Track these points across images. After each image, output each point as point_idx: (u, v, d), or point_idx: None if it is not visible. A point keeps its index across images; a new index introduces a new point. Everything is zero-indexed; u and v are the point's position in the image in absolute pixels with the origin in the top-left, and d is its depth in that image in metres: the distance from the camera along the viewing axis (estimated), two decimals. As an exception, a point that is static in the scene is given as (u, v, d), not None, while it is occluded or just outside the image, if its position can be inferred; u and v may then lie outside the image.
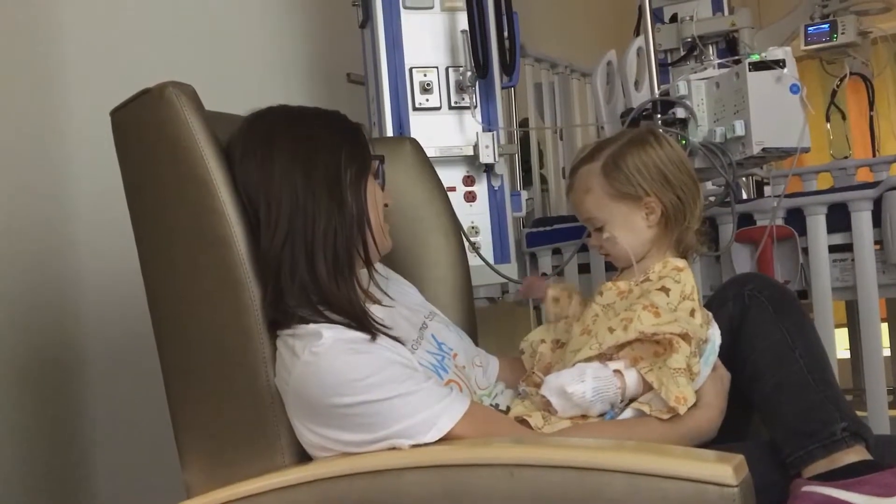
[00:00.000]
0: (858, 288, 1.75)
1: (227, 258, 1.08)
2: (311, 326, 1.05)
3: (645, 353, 1.09)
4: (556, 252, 2.19)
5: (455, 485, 0.93)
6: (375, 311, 1.12)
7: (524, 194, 2.07)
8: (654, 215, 1.20)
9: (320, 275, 1.08)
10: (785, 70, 1.58)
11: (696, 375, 1.07)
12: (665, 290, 1.12)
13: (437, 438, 1.00)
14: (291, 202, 1.09)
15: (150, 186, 1.15)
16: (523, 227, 2.30)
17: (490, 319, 2.32)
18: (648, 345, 1.08)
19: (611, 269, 2.07)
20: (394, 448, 0.99)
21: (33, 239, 1.75)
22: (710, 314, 1.16)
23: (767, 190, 2.49)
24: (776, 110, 1.59)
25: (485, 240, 1.97)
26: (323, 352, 1.02)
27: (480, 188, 1.98)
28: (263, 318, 1.08)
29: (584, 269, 2.12)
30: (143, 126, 1.14)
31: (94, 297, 1.81)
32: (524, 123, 2.57)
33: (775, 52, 1.59)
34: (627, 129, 1.70)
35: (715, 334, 1.13)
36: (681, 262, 1.17)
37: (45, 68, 1.83)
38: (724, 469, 0.81)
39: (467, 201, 1.96)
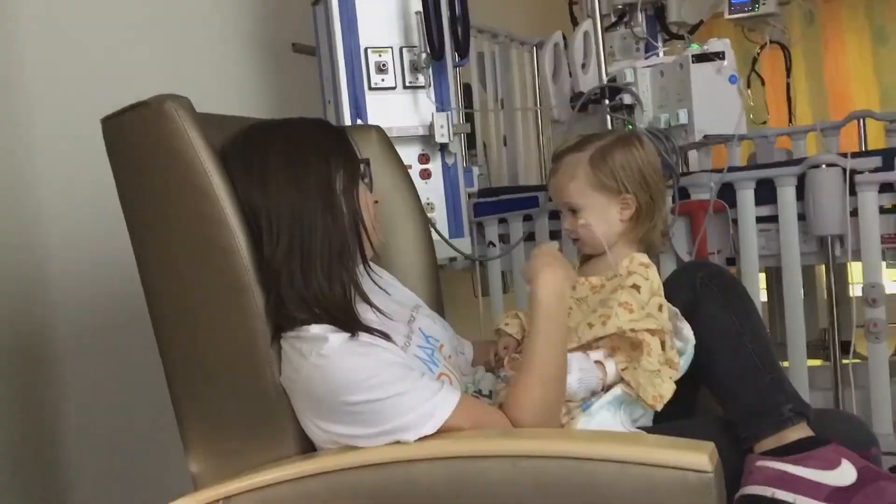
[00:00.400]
0: (783, 256, 1.92)
1: (233, 266, 1.14)
2: (315, 329, 1.13)
3: (621, 344, 1.21)
4: (503, 221, 2.29)
5: (461, 475, 1.05)
6: (380, 305, 1.21)
7: (475, 170, 2.16)
8: (629, 211, 1.32)
9: (320, 282, 1.16)
10: (724, 62, 1.70)
11: (677, 367, 1.21)
12: (636, 287, 1.24)
13: (435, 429, 1.10)
14: (289, 215, 1.16)
15: (150, 196, 1.20)
16: (469, 199, 2.38)
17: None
18: (625, 337, 1.21)
19: (556, 237, 2.20)
20: (398, 441, 1.09)
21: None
22: (678, 311, 1.29)
23: (691, 154, 2.64)
24: (716, 99, 1.72)
25: (440, 215, 2.06)
26: (331, 354, 1.10)
27: (435, 166, 2.06)
28: (268, 323, 1.15)
29: (529, 237, 2.23)
30: (141, 138, 1.18)
31: (65, 288, 1.83)
32: (466, 90, 2.64)
33: (715, 45, 1.72)
34: (614, 128, 1.80)
35: (690, 334, 1.26)
36: (646, 259, 1.29)
37: (4, 63, 1.80)
38: (702, 457, 0.94)
39: (422, 179, 2.04)
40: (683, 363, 1.23)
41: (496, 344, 1.42)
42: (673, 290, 1.34)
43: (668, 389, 1.18)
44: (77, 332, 1.85)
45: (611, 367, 1.20)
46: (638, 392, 1.17)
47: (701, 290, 1.30)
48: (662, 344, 1.20)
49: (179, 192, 1.16)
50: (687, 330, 1.25)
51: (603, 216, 1.32)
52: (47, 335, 1.83)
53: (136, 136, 1.18)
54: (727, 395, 1.24)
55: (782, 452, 1.15)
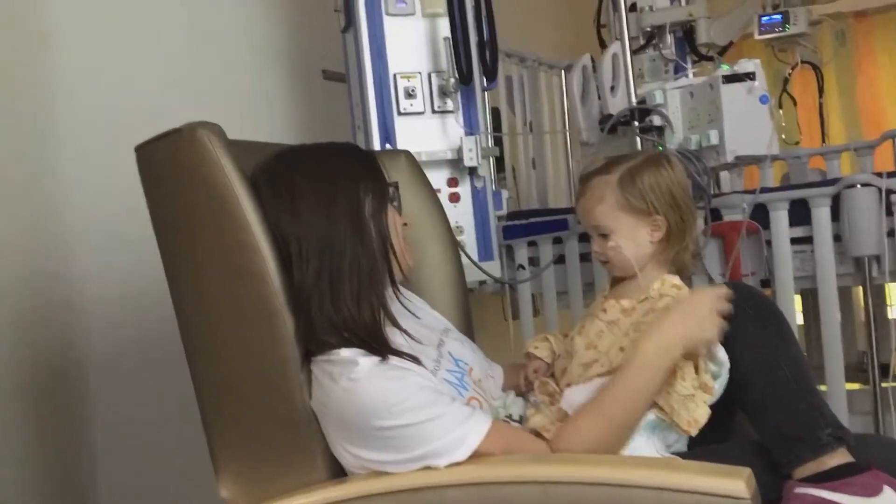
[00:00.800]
0: (818, 278, 1.89)
1: (263, 291, 1.15)
2: (345, 353, 1.13)
3: None
4: (532, 244, 2.29)
5: (492, 501, 1.03)
6: (410, 329, 1.21)
7: (504, 193, 2.16)
8: (659, 232, 1.30)
9: (349, 307, 1.16)
10: (755, 83, 1.68)
11: (711, 391, 1.18)
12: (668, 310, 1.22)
13: (466, 456, 1.09)
14: (319, 240, 1.16)
15: (183, 222, 1.21)
16: (498, 222, 2.38)
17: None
18: None
19: (586, 259, 2.19)
20: (429, 467, 1.08)
21: (33, 250, 1.78)
22: None
23: (723, 175, 2.61)
24: (747, 120, 1.71)
25: (469, 239, 2.06)
26: (361, 378, 1.10)
27: (464, 189, 2.06)
28: (298, 347, 1.15)
29: (559, 260, 2.22)
30: (174, 165, 1.19)
31: (98, 314, 1.86)
32: (495, 113, 2.65)
33: (746, 65, 1.70)
34: (641, 149, 1.79)
35: (725, 358, 1.24)
36: (678, 280, 1.27)
37: (39, 76, 1.85)
38: (738, 484, 0.92)
39: (451, 202, 2.04)
40: (718, 387, 1.21)
41: (526, 367, 1.40)
42: None
43: (702, 414, 1.16)
44: (109, 356, 1.88)
45: None
46: (672, 417, 1.15)
47: (735, 312, 1.28)
48: (696, 368, 1.18)
49: (211, 217, 1.17)
50: (721, 353, 1.23)
51: (632, 238, 1.30)
52: (80, 360, 1.86)
53: (168, 163, 1.20)
54: (763, 420, 1.21)
55: (822, 479, 1.12)
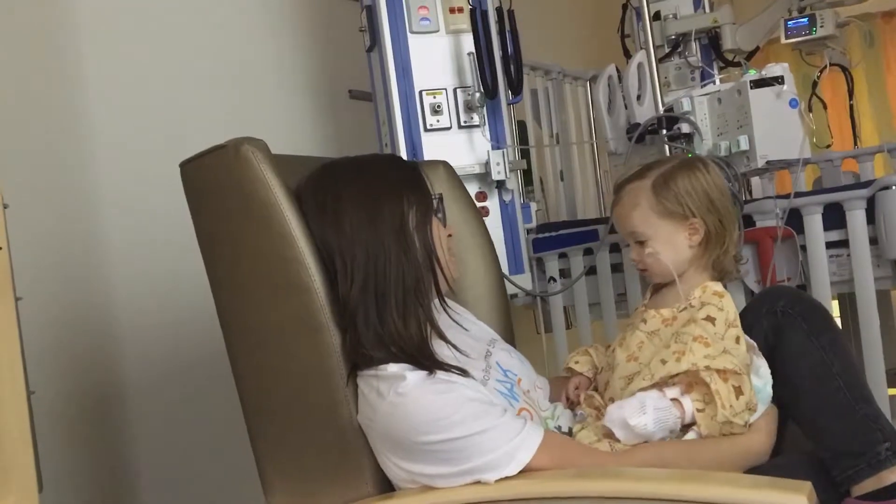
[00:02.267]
0: (856, 282, 1.86)
1: (309, 304, 1.15)
2: (393, 367, 1.13)
3: (697, 379, 1.16)
4: (563, 256, 2.27)
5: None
6: (457, 341, 1.20)
7: (533, 206, 2.15)
8: (697, 236, 1.26)
9: (395, 321, 1.15)
10: (784, 87, 1.66)
11: (755, 407, 1.16)
12: (710, 319, 1.19)
13: (517, 471, 1.07)
14: (364, 254, 1.16)
15: (228, 237, 1.21)
16: (527, 234, 2.37)
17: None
18: (700, 375, 1.16)
19: (617, 270, 2.17)
20: (478, 482, 1.07)
21: (72, 277, 1.80)
22: (755, 344, 1.23)
23: (754, 181, 2.58)
24: (777, 124, 1.68)
25: (499, 252, 2.04)
26: (408, 392, 1.09)
27: (492, 203, 2.06)
28: (345, 361, 1.15)
29: (590, 271, 2.21)
30: (219, 181, 1.20)
31: (137, 341, 1.87)
32: (521, 126, 2.64)
33: (774, 69, 1.68)
34: (675, 154, 1.78)
35: (768, 373, 1.21)
36: (720, 287, 1.24)
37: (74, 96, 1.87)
38: (800, 499, 0.90)
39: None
40: (760, 405, 1.18)
41: (567, 384, 1.38)
42: (752, 319, 1.27)
43: None
44: (151, 373, 1.89)
45: (688, 405, 1.15)
46: None
47: (783, 319, 1.23)
48: (738, 389, 1.15)
49: (257, 232, 1.17)
50: (764, 368, 1.20)
51: (670, 243, 1.26)
52: (122, 386, 1.87)
53: (214, 179, 1.20)
54: (818, 434, 1.18)
55: (882, 496, 1.09)
